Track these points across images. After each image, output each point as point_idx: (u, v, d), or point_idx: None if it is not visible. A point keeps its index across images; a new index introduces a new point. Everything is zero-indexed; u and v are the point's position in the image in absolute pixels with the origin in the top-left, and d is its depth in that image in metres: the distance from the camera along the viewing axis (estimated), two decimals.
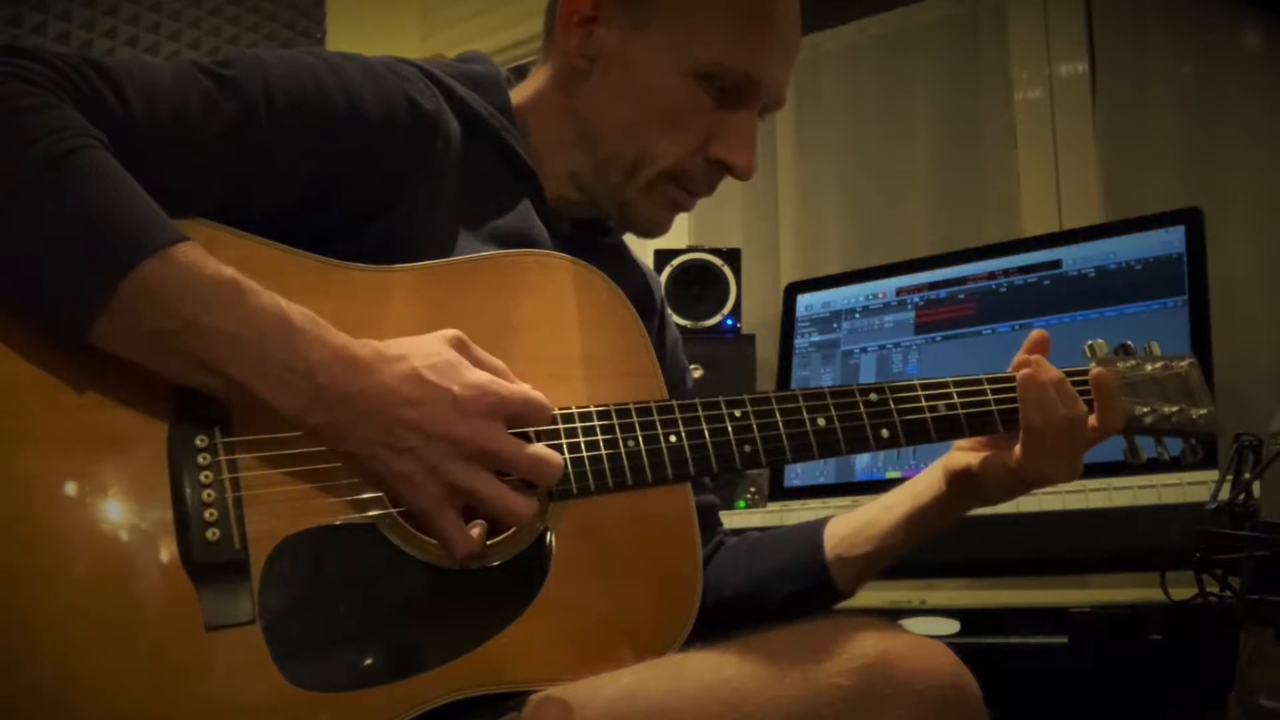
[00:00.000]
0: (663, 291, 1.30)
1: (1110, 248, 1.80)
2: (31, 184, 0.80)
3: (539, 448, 0.90)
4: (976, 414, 1.09)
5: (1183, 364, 1.20)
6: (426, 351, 0.88)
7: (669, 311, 1.31)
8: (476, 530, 0.90)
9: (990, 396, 1.10)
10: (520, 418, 0.90)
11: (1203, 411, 1.17)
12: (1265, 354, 1.95)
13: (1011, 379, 1.09)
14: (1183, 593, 1.13)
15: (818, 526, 1.21)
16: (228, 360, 0.83)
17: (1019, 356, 1.12)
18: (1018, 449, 1.07)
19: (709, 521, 1.26)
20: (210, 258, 0.84)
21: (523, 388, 0.92)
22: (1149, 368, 1.18)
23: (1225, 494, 1.08)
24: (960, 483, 1.13)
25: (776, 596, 1.19)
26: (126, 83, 0.88)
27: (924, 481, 1.17)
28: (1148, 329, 1.69)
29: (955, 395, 1.09)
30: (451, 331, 0.91)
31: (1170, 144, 2.14)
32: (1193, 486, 1.43)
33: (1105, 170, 2.21)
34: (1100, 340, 1.18)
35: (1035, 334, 1.13)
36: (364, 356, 0.86)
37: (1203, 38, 2.13)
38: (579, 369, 1.00)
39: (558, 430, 0.96)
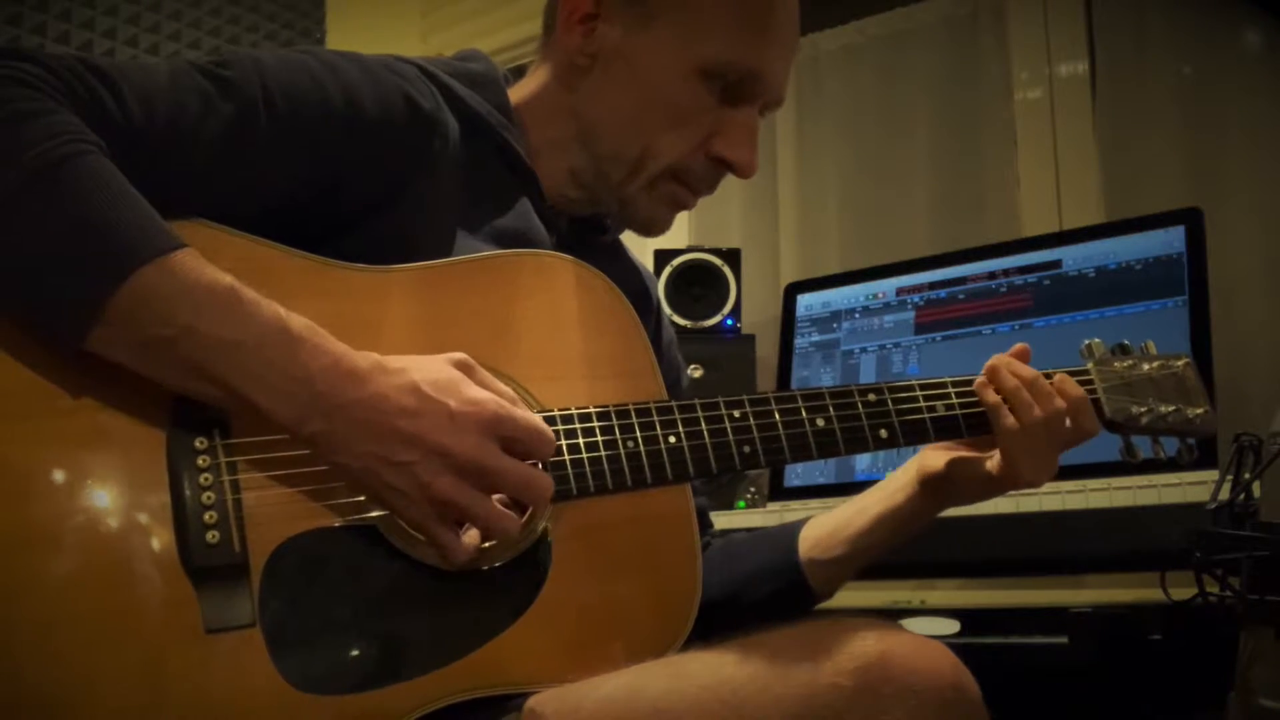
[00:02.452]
0: (659, 291, 1.30)
1: (1110, 248, 1.80)
2: (28, 190, 0.79)
3: (531, 468, 0.89)
4: (974, 414, 1.09)
5: (1179, 363, 1.20)
6: (428, 367, 0.88)
7: (665, 311, 1.31)
8: (471, 535, 0.90)
9: None
10: (519, 442, 0.89)
11: (1199, 411, 1.18)
12: (1265, 354, 1.95)
13: None
14: (1183, 593, 1.13)
15: (794, 528, 1.22)
16: (225, 367, 0.82)
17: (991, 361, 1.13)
18: (997, 451, 1.08)
19: (700, 524, 1.26)
20: (208, 265, 0.83)
21: (527, 413, 0.91)
22: (1145, 367, 1.18)
23: (1225, 494, 1.08)
24: (934, 483, 1.14)
25: (752, 598, 1.19)
26: (124, 85, 0.88)
27: (897, 482, 1.17)
28: (1148, 329, 1.68)
29: (954, 395, 1.10)
30: (457, 354, 0.91)
31: (1170, 144, 2.14)
32: (1193, 486, 1.43)
33: (1105, 170, 2.20)
34: (1097, 340, 1.18)
35: (1018, 346, 1.14)
36: (364, 367, 0.86)
37: (1203, 38, 2.13)
38: (578, 369, 1.00)
39: (557, 431, 0.96)
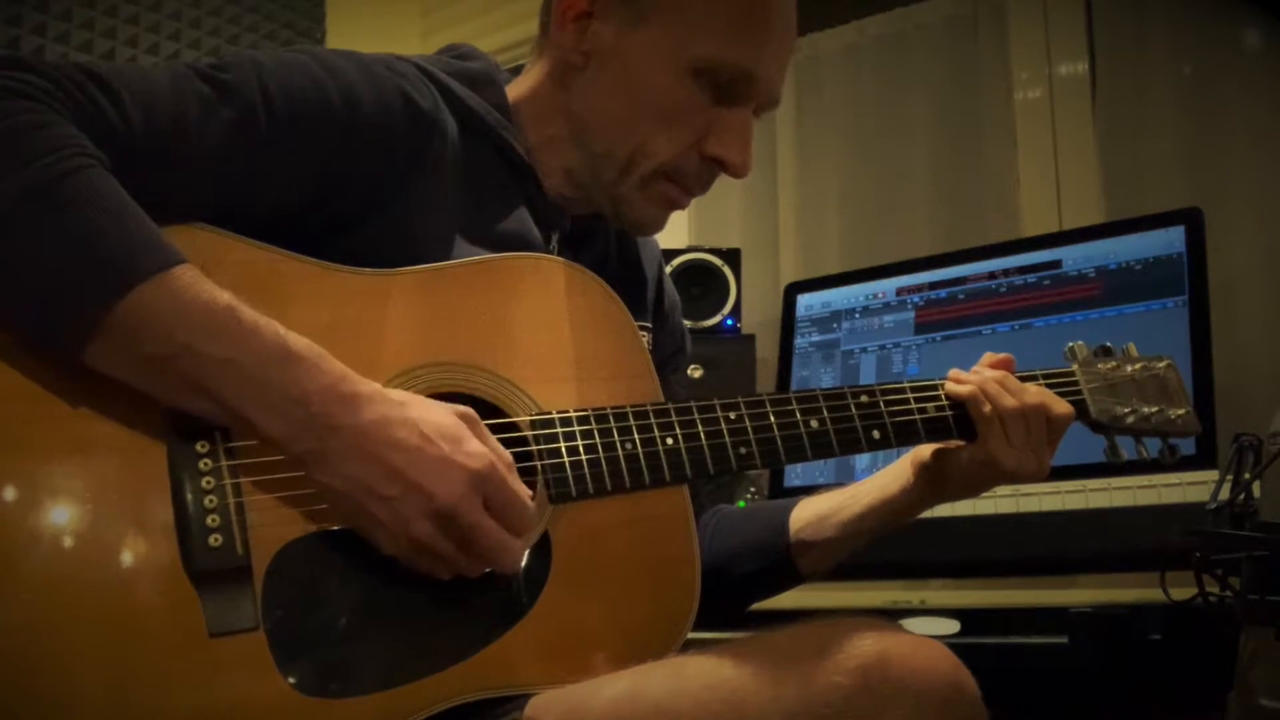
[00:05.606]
0: (660, 256, 1.30)
1: (1110, 248, 1.80)
2: (30, 204, 0.79)
3: (506, 535, 0.89)
4: (964, 415, 1.11)
5: (1161, 365, 1.22)
6: (431, 409, 0.88)
7: (668, 281, 1.31)
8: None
9: None
10: (497, 506, 0.88)
11: (1180, 412, 1.19)
12: (1265, 354, 1.95)
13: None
14: (1183, 593, 1.13)
15: (786, 508, 1.24)
16: (222, 386, 0.83)
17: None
18: (982, 443, 1.10)
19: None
20: (207, 282, 0.83)
21: (516, 481, 0.90)
22: (1128, 369, 1.20)
23: (1225, 494, 1.09)
24: (926, 475, 1.16)
25: (737, 573, 1.22)
26: (124, 93, 0.88)
27: (891, 474, 1.19)
28: (1148, 329, 1.69)
29: (944, 397, 1.11)
30: (464, 407, 0.90)
31: (1170, 144, 2.14)
32: (1193, 486, 1.44)
33: (1105, 170, 2.20)
34: (1080, 342, 1.21)
35: (1003, 356, 1.17)
36: (363, 393, 0.86)
37: (1203, 38, 2.13)
38: (575, 371, 1.01)
39: (556, 434, 0.96)
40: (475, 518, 0.87)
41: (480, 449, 0.88)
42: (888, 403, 1.09)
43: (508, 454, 0.91)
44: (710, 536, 1.24)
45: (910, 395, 1.11)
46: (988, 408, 1.09)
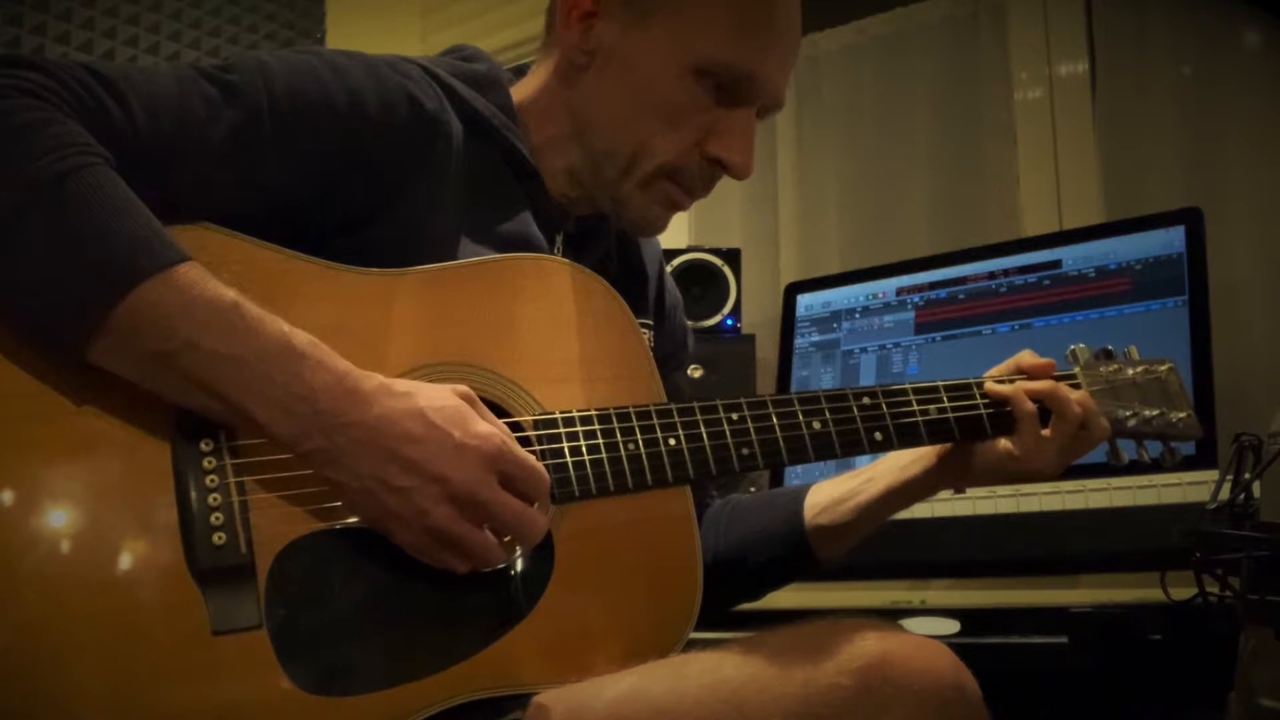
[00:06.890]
0: (661, 255, 1.30)
1: (1110, 248, 1.80)
2: (34, 201, 0.80)
3: (527, 507, 0.90)
4: (966, 418, 1.12)
5: (1162, 368, 1.22)
6: (434, 395, 0.88)
7: (669, 278, 1.32)
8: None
9: (979, 400, 1.12)
10: (517, 480, 0.89)
11: (1182, 415, 1.20)
12: (1265, 354, 1.95)
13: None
14: (1183, 593, 1.13)
15: (799, 494, 1.23)
16: (226, 383, 0.83)
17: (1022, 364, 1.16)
18: (1021, 442, 1.11)
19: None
20: (212, 279, 0.83)
21: (527, 453, 0.91)
22: (1130, 372, 1.20)
23: (1225, 494, 1.09)
24: (952, 464, 1.16)
25: (755, 562, 1.22)
26: (129, 92, 0.88)
27: (908, 457, 1.19)
28: (1148, 329, 1.69)
29: (946, 399, 1.12)
30: (461, 386, 0.91)
31: (1170, 144, 2.14)
32: (1193, 486, 1.44)
33: (1105, 170, 2.20)
34: (1082, 345, 1.21)
35: (1046, 361, 1.18)
36: (368, 388, 0.86)
37: (1203, 38, 2.13)
38: (578, 372, 1.01)
39: (559, 434, 0.97)
40: (494, 494, 0.88)
41: (487, 428, 0.89)
42: (890, 405, 1.10)
43: (504, 425, 0.92)
44: (725, 525, 1.24)
45: (912, 397, 1.11)
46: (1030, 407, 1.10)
